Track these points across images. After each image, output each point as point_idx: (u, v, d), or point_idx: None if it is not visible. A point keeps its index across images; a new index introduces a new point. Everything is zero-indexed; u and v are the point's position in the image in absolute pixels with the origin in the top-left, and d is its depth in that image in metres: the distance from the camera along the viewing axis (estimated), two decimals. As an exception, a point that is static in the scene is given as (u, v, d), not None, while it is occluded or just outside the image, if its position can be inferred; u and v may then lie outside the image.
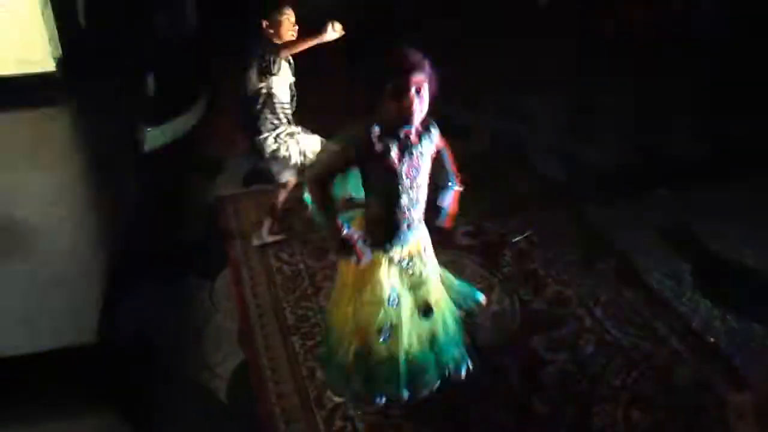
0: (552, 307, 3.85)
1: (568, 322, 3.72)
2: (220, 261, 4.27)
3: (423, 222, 2.80)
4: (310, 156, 4.10)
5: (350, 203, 2.73)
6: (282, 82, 3.97)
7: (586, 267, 4.16)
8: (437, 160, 2.77)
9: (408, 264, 2.78)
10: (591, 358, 3.48)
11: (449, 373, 3.11)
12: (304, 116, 4.22)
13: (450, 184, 2.90)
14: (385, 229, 2.65)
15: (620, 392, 3.27)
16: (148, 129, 5.50)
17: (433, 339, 3.00)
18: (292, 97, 4.08)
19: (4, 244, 3.77)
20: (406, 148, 2.51)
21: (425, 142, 2.59)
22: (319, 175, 2.59)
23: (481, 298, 3.26)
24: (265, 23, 3.83)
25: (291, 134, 4.07)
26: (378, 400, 3.01)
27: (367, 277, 2.70)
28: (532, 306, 3.85)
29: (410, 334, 2.86)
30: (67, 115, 5.44)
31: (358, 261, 2.59)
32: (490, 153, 5.61)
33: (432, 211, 2.81)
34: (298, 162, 4.10)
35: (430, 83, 2.42)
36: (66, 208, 4.12)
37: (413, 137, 2.54)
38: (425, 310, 2.90)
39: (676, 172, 5.15)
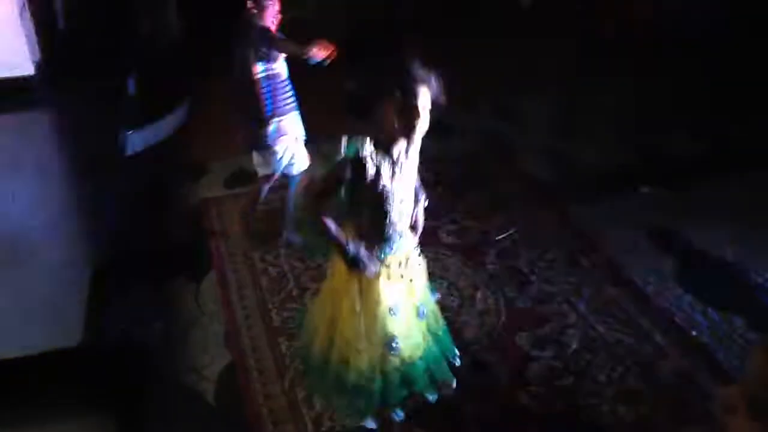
0: (537, 304, 3.88)
1: (553, 319, 3.75)
2: (206, 263, 4.26)
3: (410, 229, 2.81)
4: (299, 167, 4.13)
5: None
6: (280, 62, 3.93)
7: (570, 264, 4.20)
8: None
9: (403, 269, 2.78)
10: (576, 354, 3.52)
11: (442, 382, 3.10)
12: (303, 117, 4.19)
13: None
14: (376, 240, 2.65)
15: (606, 387, 3.31)
16: (130, 132, 5.47)
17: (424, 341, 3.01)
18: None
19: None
20: (396, 165, 2.50)
21: (412, 154, 2.59)
22: (317, 198, 2.54)
23: (436, 296, 3.29)
24: (250, 4, 3.81)
25: (291, 132, 4.05)
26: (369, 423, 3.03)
27: (367, 288, 2.69)
28: (517, 304, 3.88)
29: (410, 337, 2.87)
30: (47, 119, 5.39)
31: (370, 272, 2.60)
32: (476, 152, 5.64)
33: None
34: (281, 165, 4.10)
35: (435, 98, 2.41)
36: (50, 211, 4.09)
37: (404, 152, 2.53)
38: (416, 311, 2.92)
39: (661, 171, 5.21)
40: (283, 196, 4.42)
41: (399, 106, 2.36)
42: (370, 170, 2.41)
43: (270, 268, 4.19)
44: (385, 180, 2.46)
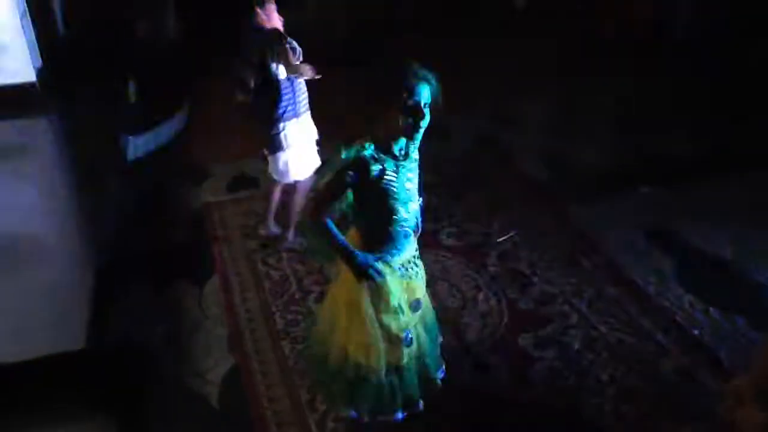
0: (538, 305, 3.90)
1: (555, 320, 3.77)
2: (208, 268, 4.27)
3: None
4: (305, 173, 4.18)
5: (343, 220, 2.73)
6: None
7: (571, 265, 4.21)
8: None
9: (406, 271, 2.80)
10: (578, 354, 3.54)
11: (430, 376, 3.07)
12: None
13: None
14: (384, 243, 2.66)
15: (608, 386, 3.33)
16: (131, 137, 5.49)
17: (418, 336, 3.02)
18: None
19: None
20: (400, 165, 2.51)
21: (414, 154, 2.59)
22: (321, 207, 2.53)
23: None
24: (258, 10, 3.91)
25: (306, 132, 4.12)
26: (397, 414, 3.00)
27: (378, 290, 2.69)
28: (518, 305, 3.90)
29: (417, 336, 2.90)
30: (48, 125, 5.40)
31: (379, 279, 2.61)
32: (476, 154, 5.67)
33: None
34: (292, 170, 4.17)
35: (435, 97, 2.42)
36: (52, 216, 4.11)
37: (405, 150, 2.53)
38: (415, 304, 2.92)
39: (660, 171, 5.23)
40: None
41: (401, 105, 2.36)
42: (374, 170, 2.41)
43: (272, 272, 4.20)
44: (389, 178, 2.47)
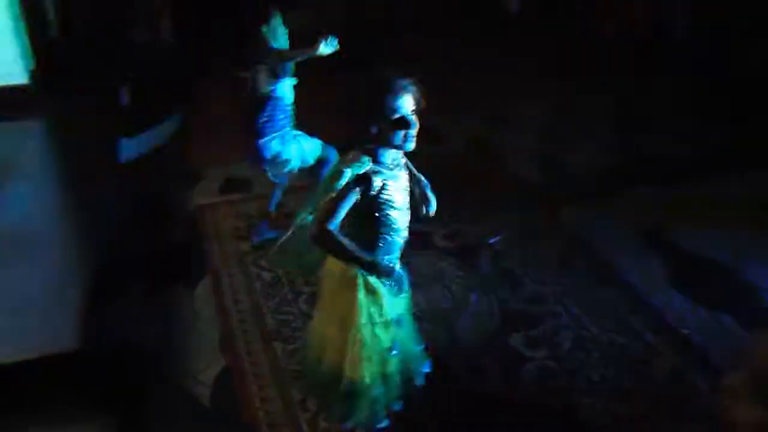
0: (530, 305, 3.91)
1: (546, 320, 3.79)
2: (200, 269, 4.27)
3: None
4: (311, 161, 4.21)
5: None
6: (288, 84, 4.06)
7: (562, 266, 4.24)
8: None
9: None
10: (570, 353, 3.55)
11: (412, 383, 3.07)
12: (304, 118, 4.27)
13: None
14: (379, 251, 2.64)
15: (600, 386, 3.34)
16: (125, 139, 5.49)
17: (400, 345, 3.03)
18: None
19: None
20: (393, 174, 2.53)
21: (403, 161, 2.61)
22: (328, 222, 2.47)
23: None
24: (264, 29, 3.92)
25: (294, 137, 4.15)
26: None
27: (375, 302, 2.70)
28: (510, 305, 3.91)
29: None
30: (42, 127, 5.41)
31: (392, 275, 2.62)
32: (468, 156, 5.69)
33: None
34: (297, 166, 4.20)
35: (417, 103, 2.44)
36: (46, 218, 4.11)
37: (398, 161, 2.56)
38: (398, 319, 2.94)
39: (651, 174, 5.25)
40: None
41: (390, 121, 2.38)
42: (376, 184, 2.43)
43: (264, 273, 4.21)
44: (388, 190, 2.48)
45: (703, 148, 5.62)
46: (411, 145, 2.46)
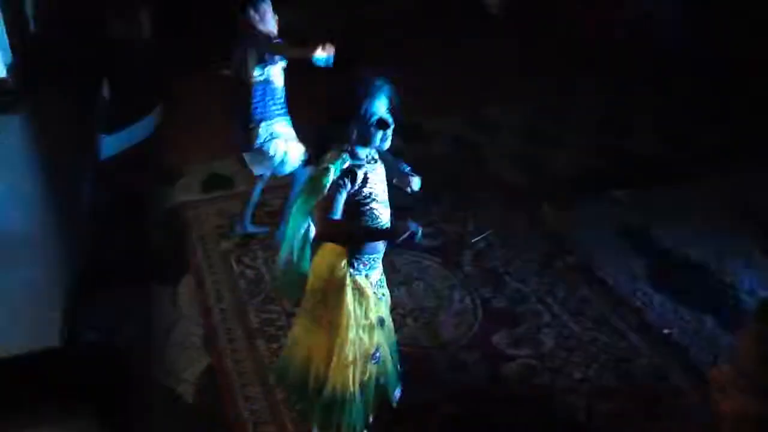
0: (512, 304, 3.94)
1: (529, 319, 3.82)
2: (182, 267, 4.25)
3: None
4: (291, 163, 4.18)
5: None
6: (278, 70, 4.04)
7: (544, 266, 4.27)
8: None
9: (379, 286, 2.84)
10: (552, 352, 3.58)
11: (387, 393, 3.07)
12: (293, 113, 4.25)
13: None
14: (367, 247, 2.66)
15: (581, 384, 3.38)
16: (104, 136, 5.43)
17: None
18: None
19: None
20: (372, 167, 2.57)
21: (378, 156, 2.64)
22: (329, 214, 2.51)
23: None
24: (252, 13, 3.89)
25: (282, 133, 4.13)
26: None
27: (362, 303, 2.72)
28: (493, 304, 3.94)
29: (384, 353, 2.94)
30: (20, 122, 5.31)
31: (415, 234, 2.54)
32: (450, 157, 5.70)
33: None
34: (275, 163, 4.18)
35: (392, 101, 2.48)
36: (24, 215, 4.04)
37: (373, 155, 2.59)
38: (380, 320, 2.95)
39: (632, 175, 5.30)
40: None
41: (367, 124, 2.43)
42: (360, 177, 2.48)
43: (247, 270, 4.20)
44: (371, 182, 2.53)
45: (686, 150, 5.68)
46: (387, 144, 2.52)
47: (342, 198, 2.46)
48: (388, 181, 2.68)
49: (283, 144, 4.13)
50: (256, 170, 4.30)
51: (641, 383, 3.40)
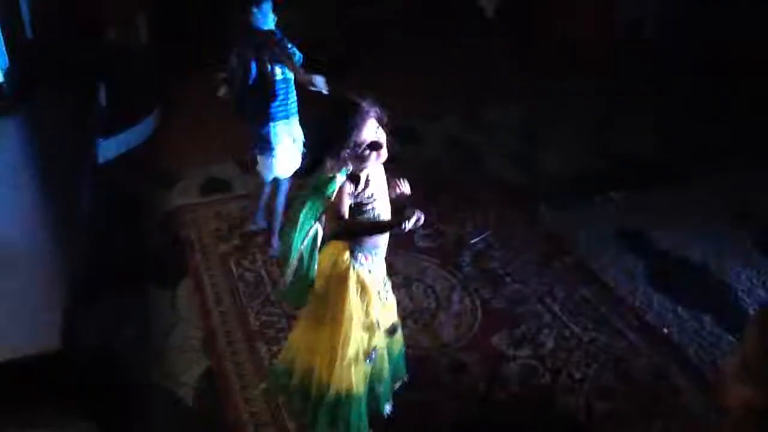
0: (512, 305, 3.94)
1: (528, 319, 3.82)
2: (181, 270, 4.24)
3: None
4: (289, 170, 4.22)
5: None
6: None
7: (543, 266, 4.27)
8: None
9: (384, 286, 2.88)
10: (552, 353, 3.58)
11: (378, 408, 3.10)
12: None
13: None
14: (368, 245, 2.70)
15: (581, 384, 3.38)
16: (102, 139, 5.43)
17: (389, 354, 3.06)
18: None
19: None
20: (374, 170, 2.63)
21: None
22: (341, 216, 2.58)
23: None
24: (254, 9, 3.90)
25: (295, 137, 4.17)
26: None
27: (364, 301, 2.75)
28: (492, 305, 3.94)
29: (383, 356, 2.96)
30: (17, 126, 5.32)
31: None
32: (448, 158, 5.71)
33: None
34: (278, 168, 4.21)
35: (381, 120, 2.54)
36: (22, 220, 4.04)
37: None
38: (392, 329, 2.99)
39: (631, 176, 5.30)
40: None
41: (359, 148, 2.49)
42: (362, 178, 2.55)
43: (246, 273, 4.19)
44: (373, 185, 2.60)
45: (685, 150, 5.67)
46: (383, 159, 2.58)
47: (348, 201, 2.54)
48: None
49: (290, 146, 4.16)
50: (264, 174, 4.31)
51: (641, 383, 3.40)
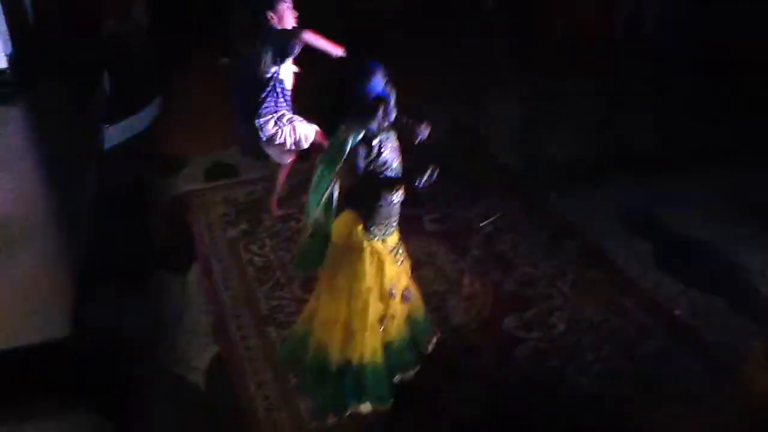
0: (522, 287, 3.93)
1: (539, 302, 3.80)
2: (190, 255, 4.23)
3: None
4: (305, 143, 4.20)
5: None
6: (288, 69, 4.05)
7: (552, 249, 4.25)
8: None
9: (397, 252, 2.92)
10: (563, 335, 3.57)
11: (422, 351, 3.27)
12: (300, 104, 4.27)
13: None
14: (382, 214, 2.76)
15: (593, 366, 3.37)
16: (107, 126, 5.40)
17: (409, 319, 3.14)
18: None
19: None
20: (387, 135, 2.70)
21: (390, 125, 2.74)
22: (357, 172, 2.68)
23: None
24: (270, 14, 3.88)
25: (290, 120, 4.14)
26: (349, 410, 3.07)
27: (376, 269, 2.82)
28: (502, 287, 3.93)
29: (398, 324, 3.03)
30: (21, 113, 5.29)
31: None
32: (451, 145, 5.66)
33: None
34: (292, 147, 4.20)
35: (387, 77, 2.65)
36: (29, 207, 4.01)
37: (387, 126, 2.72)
38: (406, 295, 3.00)
39: (635, 163, 5.26)
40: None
41: (378, 101, 2.60)
42: (375, 144, 2.63)
43: (256, 258, 4.18)
44: (385, 149, 2.67)
45: (684, 150, 5.60)
46: (392, 116, 2.68)
47: (361, 161, 2.62)
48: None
49: (292, 128, 4.13)
50: (283, 160, 4.34)
51: (652, 365, 3.40)
